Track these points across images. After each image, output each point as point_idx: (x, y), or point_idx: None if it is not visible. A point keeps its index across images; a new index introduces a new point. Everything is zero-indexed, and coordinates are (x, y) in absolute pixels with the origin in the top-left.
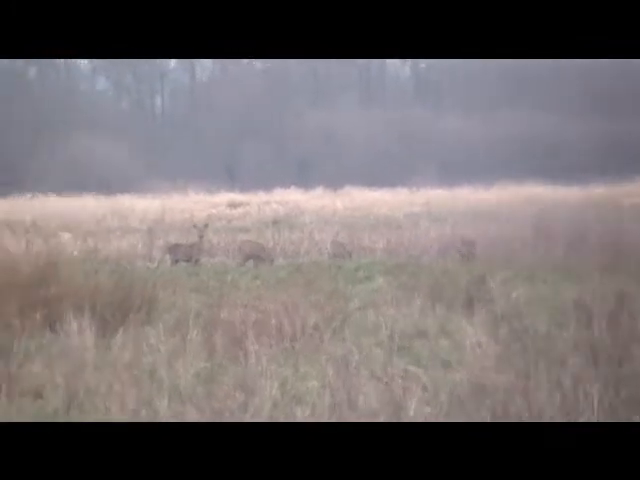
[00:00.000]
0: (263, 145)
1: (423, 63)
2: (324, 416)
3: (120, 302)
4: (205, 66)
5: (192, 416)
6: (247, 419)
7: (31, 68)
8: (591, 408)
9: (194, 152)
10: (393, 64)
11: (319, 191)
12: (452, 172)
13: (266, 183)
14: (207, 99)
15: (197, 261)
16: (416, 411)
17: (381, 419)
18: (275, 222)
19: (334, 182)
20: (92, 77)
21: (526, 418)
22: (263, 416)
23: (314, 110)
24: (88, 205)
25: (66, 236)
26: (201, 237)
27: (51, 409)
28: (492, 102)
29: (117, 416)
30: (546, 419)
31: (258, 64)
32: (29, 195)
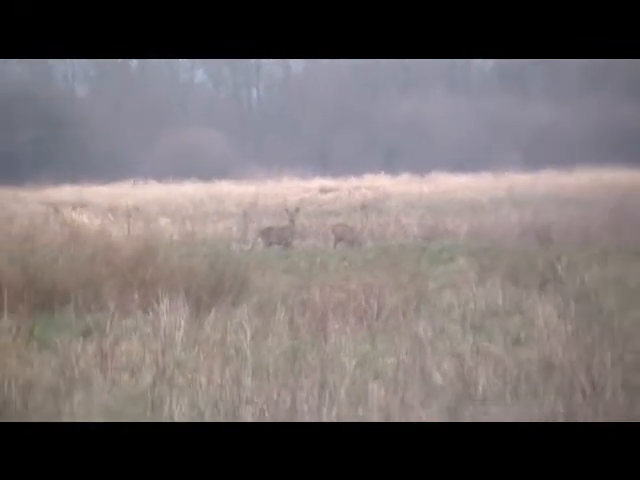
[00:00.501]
0: (354, 134)
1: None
2: (398, 391)
3: (213, 284)
4: (297, 60)
5: (275, 391)
6: (326, 395)
7: (133, 62)
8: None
9: (288, 141)
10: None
11: (406, 177)
12: (535, 157)
13: (356, 169)
14: (300, 90)
15: (288, 244)
16: (484, 386)
17: (449, 394)
18: (364, 206)
19: (421, 168)
20: (191, 70)
21: (590, 394)
22: (341, 392)
23: (402, 100)
24: (187, 191)
25: (165, 221)
26: (292, 221)
27: (144, 384)
28: (573, 88)
29: (205, 390)
30: (608, 396)
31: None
32: (131, 181)
